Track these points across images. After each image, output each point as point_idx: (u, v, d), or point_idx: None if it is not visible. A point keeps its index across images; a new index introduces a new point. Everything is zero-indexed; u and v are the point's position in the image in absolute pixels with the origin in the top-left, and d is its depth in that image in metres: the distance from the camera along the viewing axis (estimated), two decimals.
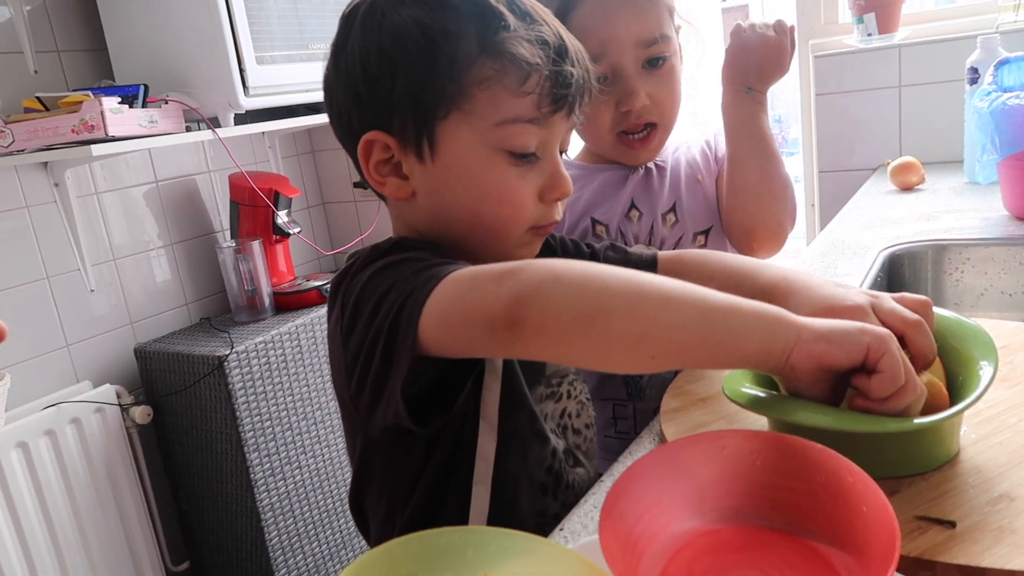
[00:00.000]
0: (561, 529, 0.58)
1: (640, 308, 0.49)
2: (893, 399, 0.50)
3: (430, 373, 0.58)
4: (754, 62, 0.94)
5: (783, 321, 0.51)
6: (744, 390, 0.57)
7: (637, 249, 0.85)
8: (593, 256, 0.83)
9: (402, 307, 0.54)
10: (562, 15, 0.89)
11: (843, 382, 0.53)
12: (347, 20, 0.66)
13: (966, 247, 1.17)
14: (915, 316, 0.58)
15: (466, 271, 0.54)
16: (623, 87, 0.93)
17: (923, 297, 0.61)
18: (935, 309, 0.62)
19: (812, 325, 0.51)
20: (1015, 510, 0.49)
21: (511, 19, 0.61)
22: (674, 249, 0.95)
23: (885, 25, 1.74)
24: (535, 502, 0.70)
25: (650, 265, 0.82)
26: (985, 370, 0.56)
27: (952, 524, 0.48)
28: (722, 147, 1.02)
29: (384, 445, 0.68)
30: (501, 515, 0.67)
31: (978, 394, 0.53)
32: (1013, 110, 1.18)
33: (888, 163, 1.63)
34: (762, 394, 0.56)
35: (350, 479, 0.75)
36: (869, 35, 1.76)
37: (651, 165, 1.02)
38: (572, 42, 0.65)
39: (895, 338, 0.51)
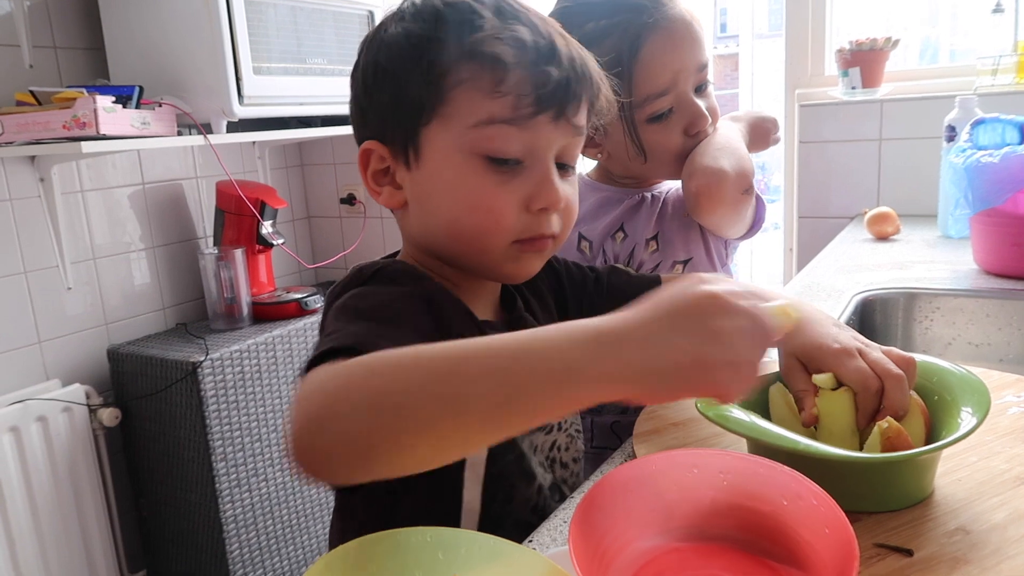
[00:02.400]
0: (531, 541, 0.59)
1: (407, 443, 0.44)
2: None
3: None
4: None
5: (582, 377, 0.43)
6: (717, 405, 0.59)
7: (640, 275, 0.87)
8: (597, 281, 0.84)
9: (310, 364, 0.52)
10: (633, 52, 0.92)
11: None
12: (362, 43, 0.69)
13: (936, 296, 1.21)
14: (898, 370, 0.60)
15: (333, 368, 0.46)
16: (691, 112, 0.96)
17: (910, 356, 0.62)
18: (935, 360, 0.64)
19: (623, 373, 0.43)
20: (970, 542, 0.50)
21: (489, 20, 0.61)
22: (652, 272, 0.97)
23: (869, 80, 1.80)
24: (519, 542, 0.69)
25: (654, 287, 0.83)
26: (966, 419, 0.57)
27: (910, 553, 0.50)
28: None
29: (363, 499, 0.67)
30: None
31: (946, 442, 0.54)
32: (986, 167, 1.22)
33: (865, 212, 1.67)
34: (735, 412, 0.58)
35: (322, 496, 0.73)
36: (853, 88, 1.82)
37: (647, 194, 1.05)
38: (568, 47, 0.63)
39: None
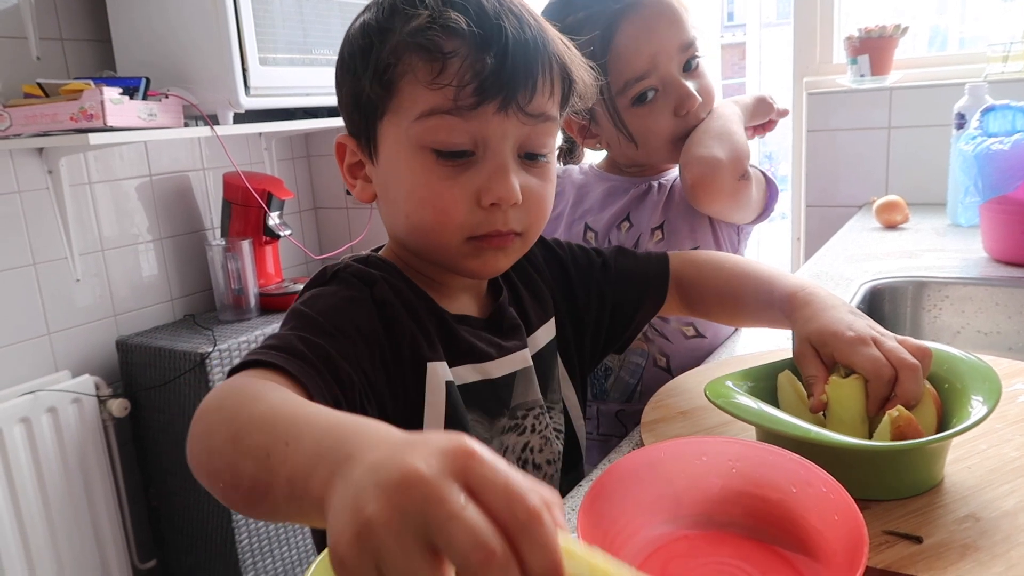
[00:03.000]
0: None
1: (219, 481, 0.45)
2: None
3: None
4: None
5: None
6: (725, 391, 0.59)
7: (646, 253, 0.86)
8: (604, 264, 0.83)
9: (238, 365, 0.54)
10: (607, 38, 0.91)
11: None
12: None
13: (945, 285, 1.20)
14: (913, 360, 0.59)
15: (226, 391, 0.48)
16: (678, 93, 0.95)
17: (926, 346, 0.61)
18: (946, 347, 0.64)
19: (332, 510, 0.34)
20: (980, 529, 0.50)
21: (430, 7, 0.59)
22: None
23: (878, 67, 1.79)
24: None
25: (662, 268, 0.83)
26: (977, 408, 0.56)
27: (919, 540, 0.50)
28: None
29: None
30: None
31: (958, 429, 0.54)
32: (996, 155, 1.21)
33: (874, 201, 1.66)
34: (743, 399, 0.58)
35: None
36: (862, 76, 1.80)
37: (654, 183, 1.05)
38: (524, 30, 0.60)
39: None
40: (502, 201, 0.61)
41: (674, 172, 1.07)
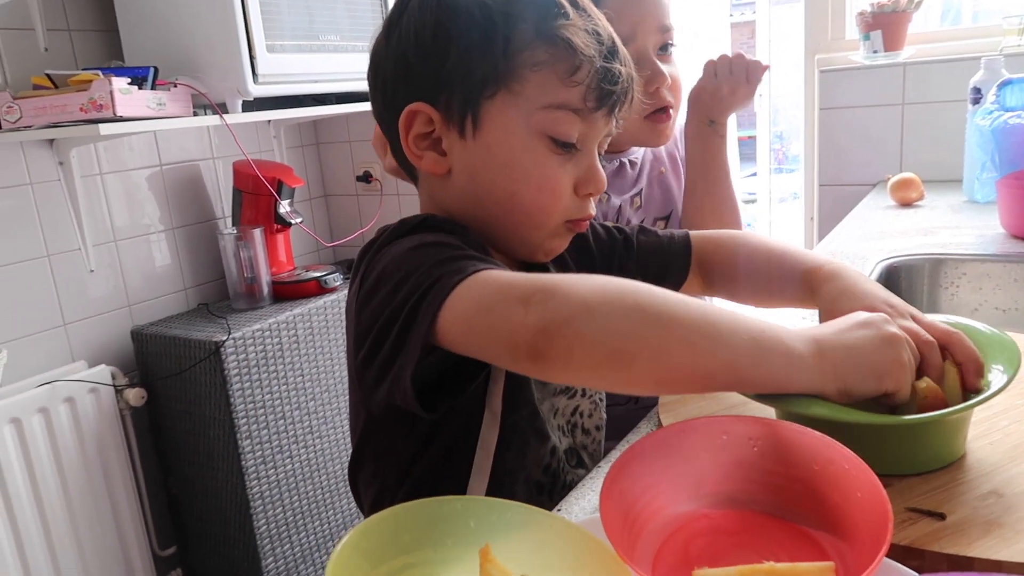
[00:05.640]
0: (559, 509, 0.59)
1: (667, 354, 0.49)
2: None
3: (438, 359, 0.57)
4: (717, 98, 1.06)
5: (805, 366, 0.52)
6: None
7: (668, 232, 0.87)
8: (627, 241, 0.83)
9: (424, 294, 0.54)
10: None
11: None
12: None
13: (962, 262, 1.19)
14: (928, 336, 0.58)
15: (493, 276, 0.53)
16: (652, 69, 0.98)
17: (955, 330, 0.60)
18: (962, 319, 0.63)
19: (828, 375, 0.52)
20: (1004, 506, 0.50)
21: (570, 9, 0.63)
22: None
23: (891, 43, 1.76)
24: (530, 500, 0.69)
25: (684, 246, 0.83)
26: (997, 377, 0.56)
27: (942, 516, 0.49)
28: (680, 138, 1.15)
29: (384, 424, 0.68)
30: None
31: (980, 399, 0.53)
32: (1014, 129, 1.20)
33: (888, 179, 1.65)
34: None
35: (346, 471, 0.75)
36: (875, 52, 1.78)
37: (624, 160, 1.10)
38: (621, 46, 0.67)
39: (909, 346, 0.54)
40: (597, 192, 0.68)
41: (639, 151, 1.13)
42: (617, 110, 0.67)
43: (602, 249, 0.82)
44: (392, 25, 0.67)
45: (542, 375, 0.53)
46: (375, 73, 0.69)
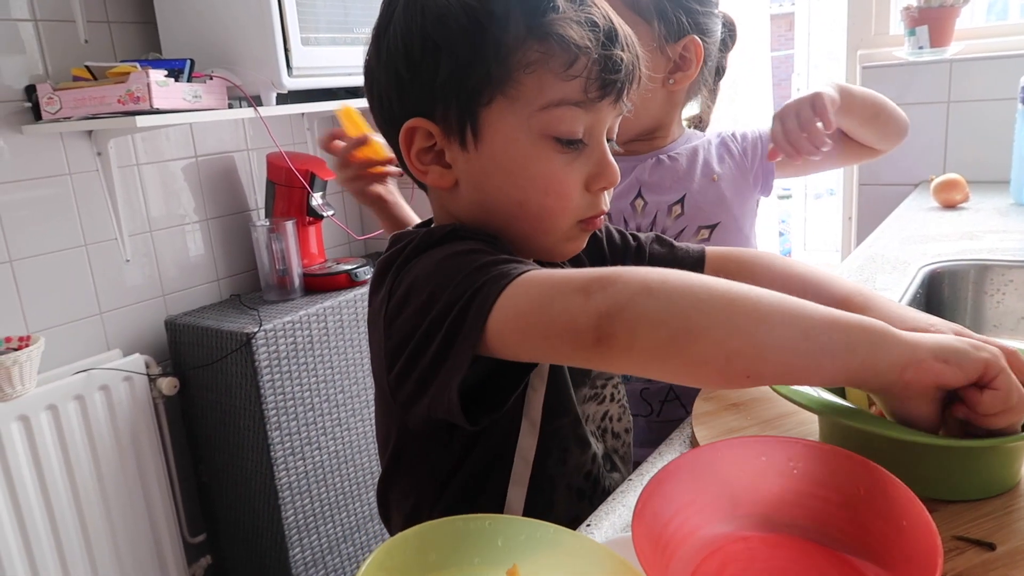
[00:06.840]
0: (588, 525, 0.58)
1: (735, 327, 0.47)
2: (1000, 416, 0.49)
3: (478, 370, 0.55)
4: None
5: (891, 338, 0.49)
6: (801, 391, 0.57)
7: (684, 245, 0.84)
8: (639, 249, 0.82)
9: (470, 301, 0.52)
10: None
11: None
12: (389, 3, 0.64)
13: (1010, 269, 1.15)
14: (1012, 347, 0.55)
15: (543, 274, 0.52)
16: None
17: (1011, 347, 0.57)
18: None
19: (923, 342, 0.49)
20: None
21: (559, 1, 0.59)
22: (675, 239, 0.94)
23: (937, 39, 1.71)
24: (571, 507, 0.69)
25: (698, 262, 0.81)
26: None
27: (991, 546, 0.47)
28: (749, 146, 1.04)
29: (421, 438, 0.66)
30: (535, 518, 0.66)
31: None
32: None
33: (931, 179, 1.60)
34: (826, 395, 0.56)
35: (373, 464, 0.75)
36: (920, 48, 1.73)
37: (663, 156, 1.03)
38: (622, 27, 0.62)
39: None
40: (611, 185, 0.64)
41: (682, 144, 1.04)
42: (625, 95, 0.63)
43: (614, 253, 0.81)
44: (380, 37, 0.64)
45: (604, 363, 0.50)
46: (370, 87, 0.67)
